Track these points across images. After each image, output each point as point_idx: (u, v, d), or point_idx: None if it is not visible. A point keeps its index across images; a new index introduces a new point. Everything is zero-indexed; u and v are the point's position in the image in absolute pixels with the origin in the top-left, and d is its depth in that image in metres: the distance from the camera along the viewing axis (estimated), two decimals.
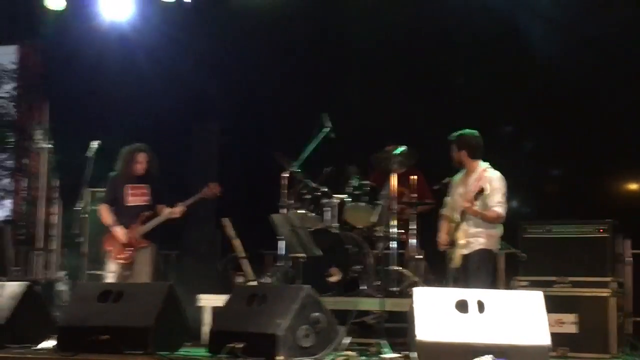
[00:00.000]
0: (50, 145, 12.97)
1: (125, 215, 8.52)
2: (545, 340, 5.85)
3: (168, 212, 8.48)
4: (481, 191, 7.38)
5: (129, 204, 8.55)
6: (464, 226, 7.62)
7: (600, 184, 10.11)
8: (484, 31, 10.31)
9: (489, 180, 7.62)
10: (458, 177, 8.02)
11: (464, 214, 7.59)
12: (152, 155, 8.70)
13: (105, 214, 8.58)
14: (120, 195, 8.56)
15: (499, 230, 7.79)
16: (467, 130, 7.88)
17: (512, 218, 7.85)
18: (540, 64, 10.25)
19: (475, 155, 7.85)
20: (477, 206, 7.51)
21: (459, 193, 7.87)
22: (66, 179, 11.87)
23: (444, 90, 10.74)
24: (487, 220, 7.59)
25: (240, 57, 10.99)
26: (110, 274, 8.46)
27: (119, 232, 8.43)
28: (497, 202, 7.56)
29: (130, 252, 8.43)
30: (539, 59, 10.21)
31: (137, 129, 10.00)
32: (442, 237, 7.86)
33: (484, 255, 7.66)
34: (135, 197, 8.56)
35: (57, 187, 12.96)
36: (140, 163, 8.60)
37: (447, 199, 8.08)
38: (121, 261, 8.43)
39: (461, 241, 7.61)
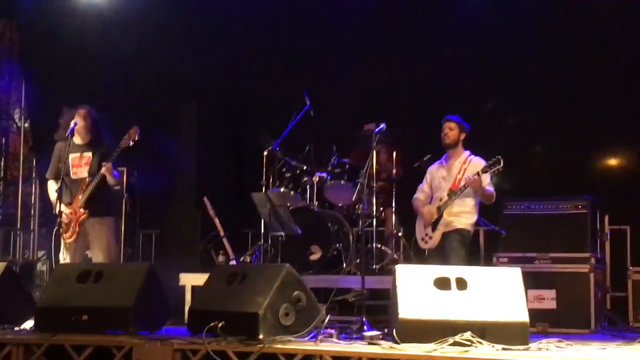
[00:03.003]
0: (27, 125, 12.89)
1: (71, 189, 8.01)
2: (524, 316, 5.88)
3: (98, 175, 7.84)
4: (478, 174, 7.51)
5: (72, 177, 8.03)
6: (449, 205, 7.72)
7: (579, 160, 10.15)
8: (464, 5, 10.29)
9: (476, 163, 7.78)
10: (434, 164, 8.10)
11: (452, 194, 7.70)
12: (94, 116, 8.09)
13: (50, 189, 8.12)
14: (66, 166, 8.01)
15: (476, 215, 7.90)
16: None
17: None
18: (523, 37, 10.24)
19: (465, 142, 8.00)
20: (461, 193, 7.67)
21: (440, 176, 7.98)
22: (43, 159, 11.79)
23: (425, 67, 10.72)
24: (486, 197, 7.74)
25: (219, 35, 10.93)
26: (64, 253, 7.98)
27: (62, 211, 7.85)
28: (487, 183, 7.66)
29: (72, 228, 7.91)
30: (519, 34, 10.21)
31: (116, 108, 9.91)
32: (428, 210, 7.88)
33: (464, 233, 7.75)
34: (79, 167, 8.03)
35: (34, 167, 12.91)
36: (79, 126, 7.98)
37: (421, 186, 8.13)
38: (67, 240, 7.94)
39: (450, 218, 7.67)
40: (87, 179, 7.96)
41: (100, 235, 7.98)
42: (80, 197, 7.94)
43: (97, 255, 7.96)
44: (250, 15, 10.93)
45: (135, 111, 10.42)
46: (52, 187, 8.11)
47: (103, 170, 7.84)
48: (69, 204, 7.96)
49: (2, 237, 12.29)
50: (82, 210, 7.92)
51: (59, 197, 7.82)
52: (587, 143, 10.11)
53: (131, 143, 7.94)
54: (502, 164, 7.36)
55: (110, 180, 7.94)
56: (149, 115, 10.77)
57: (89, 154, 8.06)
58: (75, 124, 7.96)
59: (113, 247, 8.13)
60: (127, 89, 11.01)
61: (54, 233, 8.13)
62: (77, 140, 8.11)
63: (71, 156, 8.07)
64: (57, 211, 7.86)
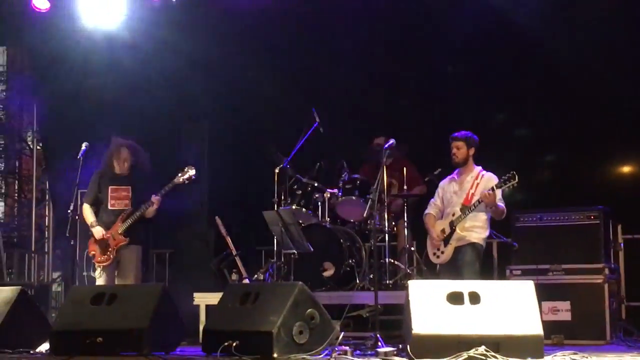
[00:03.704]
0: (40, 147, 12.95)
1: (108, 218, 8.27)
2: (538, 329, 5.87)
3: (144, 207, 8.17)
4: (493, 189, 7.52)
5: (110, 208, 8.29)
6: (462, 220, 7.73)
7: (590, 171, 10.13)
8: (472, 20, 10.30)
9: (489, 179, 7.80)
10: (446, 179, 8.12)
11: (465, 209, 7.70)
12: (138, 151, 8.43)
13: (87, 213, 8.34)
14: (104, 196, 8.31)
15: (488, 230, 7.92)
16: (470, 132, 7.99)
17: None
18: (531, 51, 10.24)
19: (475, 156, 8.00)
20: (475, 208, 7.69)
21: (452, 191, 7.99)
22: (56, 181, 11.83)
23: (434, 81, 10.73)
24: (498, 212, 7.74)
25: (228, 55, 10.96)
26: (98, 277, 8.26)
27: (97, 230, 8.18)
28: (499, 199, 7.66)
29: (109, 253, 8.16)
30: (530, 45, 10.21)
31: (127, 129, 9.94)
32: (437, 231, 7.90)
33: (478, 247, 7.76)
34: (118, 200, 8.29)
35: (47, 189, 12.95)
36: (124, 160, 8.33)
37: (433, 201, 8.14)
38: (103, 264, 8.18)
39: (462, 233, 7.66)
40: (129, 209, 8.21)
41: (130, 260, 8.24)
42: (120, 224, 8.18)
43: (127, 281, 8.15)
44: (258, 33, 10.97)
45: (146, 131, 10.45)
46: (89, 210, 8.35)
47: (153, 202, 8.15)
48: (105, 229, 8.20)
49: (17, 259, 12.33)
50: (122, 237, 8.16)
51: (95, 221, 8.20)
52: (598, 153, 10.10)
53: (186, 182, 8.28)
54: (517, 180, 7.36)
55: (151, 212, 8.22)
56: (159, 135, 10.80)
57: (129, 187, 8.30)
58: (121, 159, 8.29)
59: (140, 273, 8.41)
60: (138, 109, 11.03)
61: (84, 256, 8.61)
62: (117, 170, 8.34)
63: (110, 187, 8.30)
64: (96, 234, 8.15)
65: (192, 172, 8.25)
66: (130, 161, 8.35)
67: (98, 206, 8.35)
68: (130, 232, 8.21)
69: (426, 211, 8.16)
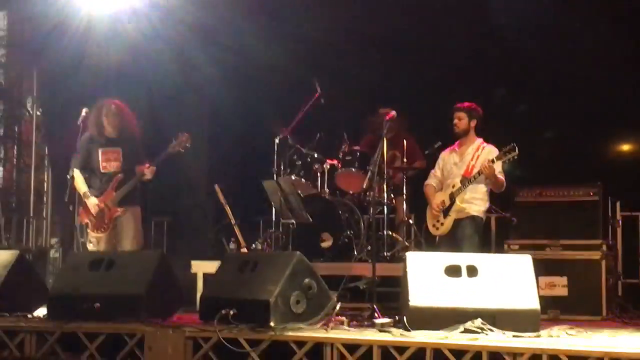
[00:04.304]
0: (39, 113, 12.92)
1: (100, 182, 8.08)
2: (535, 303, 5.89)
3: (139, 174, 7.98)
4: (492, 161, 7.51)
5: (102, 171, 8.08)
6: (462, 192, 7.72)
7: (590, 147, 10.13)
8: None
9: (489, 151, 7.78)
10: (446, 149, 8.10)
11: (465, 181, 7.70)
12: (124, 109, 8.17)
13: (79, 181, 8.11)
14: (94, 160, 8.09)
15: (488, 202, 7.90)
16: (474, 104, 7.95)
17: None
18: (532, 25, 10.20)
19: (478, 128, 7.96)
20: (475, 180, 7.67)
21: (452, 162, 7.98)
22: (55, 147, 11.82)
23: (435, 54, 10.69)
24: (498, 184, 7.72)
25: (230, 23, 10.91)
26: (93, 244, 8.08)
27: (91, 203, 8.00)
28: (499, 171, 7.65)
29: (106, 225, 8.01)
30: (531, 20, 10.17)
31: (127, 96, 9.91)
32: (438, 201, 7.89)
33: (477, 220, 7.76)
34: (109, 162, 8.07)
35: (46, 155, 12.94)
36: (112, 115, 8.05)
37: (433, 172, 8.13)
38: (99, 234, 8.02)
39: (462, 205, 7.67)
40: (120, 175, 8.01)
41: (128, 224, 8.06)
42: (114, 193, 8.00)
43: (127, 244, 8.02)
44: (261, 1, 10.91)
45: (146, 98, 10.43)
46: (80, 176, 8.13)
47: (147, 173, 7.96)
48: (98, 197, 8.03)
49: (15, 224, 12.33)
50: (116, 208, 7.99)
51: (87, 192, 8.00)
52: (598, 129, 10.10)
53: (181, 150, 8.08)
54: (517, 152, 7.35)
55: (148, 178, 8.04)
56: (160, 102, 10.79)
57: (119, 149, 8.10)
58: (106, 119, 8.04)
59: (140, 235, 8.23)
60: (138, 75, 11.00)
61: (77, 224, 8.40)
62: (107, 133, 8.14)
63: (100, 150, 8.11)
64: (86, 204, 7.99)
65: (184, 137, 8.05)
66: (118, 118, 8.08)
67: (89, 172, 8.16)
68: (126, 197, 8.02)
69: (426, 182, 8.16)
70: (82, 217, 8.17)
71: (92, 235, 8.10)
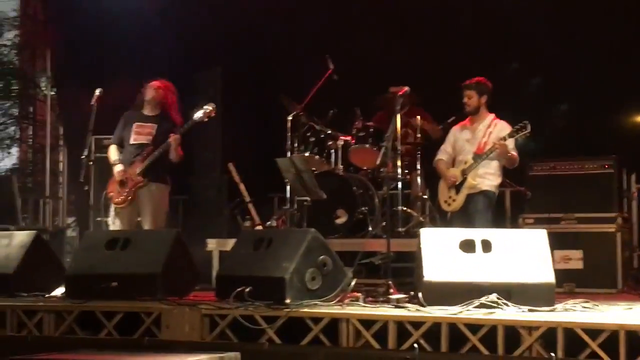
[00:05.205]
0: (53, 93, 12.96)
1: (130, 154, 8.07)
2: (550, 277, 5.89)
3: (164, 146, 7.91)
4: (504, 138, 7.50)
5: (132, 142, 8.08)
6: (474, 169, 7.72)
7: (604, 120, 10.08)
8: None
9: (502, 128, 7.76)
10: (457, 126, 8.09)
11: (477, 157, 7.69)
12: (167, 89, 8.22)
13: (111, 151, 8.18)
14: (128, 133, 8.11)
15: (501, 177, 7.89)
16: (483, 78, 7.91)
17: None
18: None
19: (489, 103, 7.92)
20: (487, 157, 7.68)
21: (464, 139, 7.97)
22: (71, 127, 11.86)
23: (448, 30, 10.65)
24: (511, 161, 7.72)
25: (242, 1, 10.90)
26: (113, 219, 8.06)
27: (116, 170, 8.00)
28: (511, 147, 7.64)
29: (127, 194, 7.95)
30: None
31: (140, 75, 9.93)
32: (451, 174, 7.87)
33: (490, 195, 7.76)
34: (140, 135, 8.08)
35: (61, 134, 12.99)
36: (148, 94, 8.13)
37: (444, 147, 8.12)
38: (120, 205, 7.97)
39: (475, 181, 7.66)
40: (150, 147, 7.98)
41: (151, 200, 7.99)
42: (139, 164, 7.96)
43: (147, 220, 7.97)
44: None
45: (161, 76, 10.43)
46: (114, 149, 8.18)
47: (171, 140, 7.90)
48: (125, 168, 8.02)
49: (31, 205, 12.41)
50: (140, 177, 7.93)
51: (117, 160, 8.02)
52: (612, 102, 10.03)
53: (206, 119, 8.07)
54: (529, 130, 7.33)
55: (173, 155, 7.97)
56: (173, 81, 10.78)
57: (154, 125, 8.11)
58: (145, 93, 8.10)
59: (163, 214, 8.20)
60: (151, 55, 11.01)
61: (102, 199, 8.35)
62: (146, 111, 8.20)
63: (135, 124, 8.14)
64: (115, 172, 8.00)
65: (210, 107, 8.04)
66: (159, 97, 8.15)
67: (123, 145, 8.18)
68: (150, 171, 7.96)
69: (437, 157, 8.15)
70: (108, 189, 8.14)
71: (115, 208, 8.04)
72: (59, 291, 7.01)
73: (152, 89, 8.18)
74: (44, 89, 13.30)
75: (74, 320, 6.28)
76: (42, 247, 7.51)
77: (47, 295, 6.98)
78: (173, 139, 7.90)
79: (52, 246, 8.33)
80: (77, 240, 11.87)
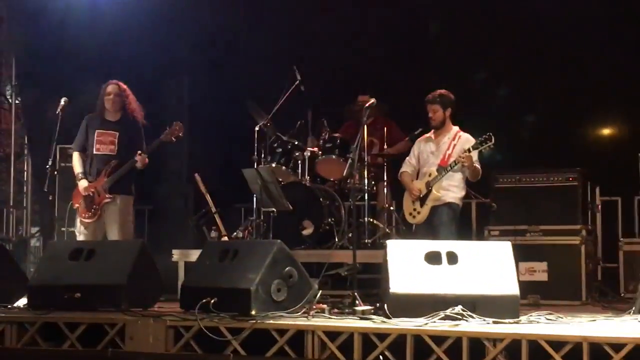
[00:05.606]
0: (18, 102, 12.84)
1: (94, 166, 8.00)
2: (514, 289, 5.91)
3: (130, 164, 7.88)
4: (468, 150, 7.51)
5: (95, 152, 8.00)
6: (438, 181, 7.72)
7: (570, 132, 10.17)
8: None
9: (466, 140, 7.77)
10: (422, 138, 8.11)
11: (441, 170, 7.70)
12: (126, 92, 8.10)
13: (75, 162, 8.10)
14: (90, 141, 8.02)
15: (465, 189, 7.91)
16: (445, 91, 7.92)
17: (482, 168, 7.87)
18: (513, 10, 10.21)
19: (453, 114, 7.94)
20: (451, 169, 7.66)
21: (429, 151, 7.97)
22: (36, 136, 11.75)
23: (414, 39, 10.69)
24: (475, 173, 7.71)
25: (209, 10, 10.87)
26: (80, 232, 8.03)
27: (81, 186, 7.94)
28: (475, 160, 7.64)
29: (94, 210, 7.92)
30: (511, 4, 10.17)
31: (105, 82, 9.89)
32: (416, 187, 7.88)
33: (454, 207, 7.78)
34: (103, 144, 8.00)
35: (26, 143, 12.87)
36: (108, 98, 8.00)
37: (409, 159, 8.13)
38: (86, 220, 7.94)
39: (439, 193, 7.68)
40: (114, 162, 7.94)
41: (117, 212, 7.95)
42: (105, 179, 7.92)
43: (114, 233, 7.93)
44: None
45: (126, 85, 10.37)
46: (78, 160, 8.10)
47: (139, 161, 7.88)
48: (91, 181, 7.97)
49: None
50: (106, 194, 7.90)
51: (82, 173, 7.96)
52: (577, 114, 10.14)
53: (173, 139, 8.05)
54: (493, 141, 7.35)
55: (139, 163, 7.94)
56: (140, 90, 10.71)
57: (116, 133, 8.04)
58: (106, 96, 8.00)
59: (130, 224, 8.18)
60: (118, 64, 10.93)
61: (66, 210, 8.27)
62: (107, 116, 8.12)
63: (97, 131, 8.05)
64: (80, 188, 7.93)
65: (179, 128, 8.05)
66: (119, 99, 8.04)
67: (86, 152, 8.09)
68: (116, 185, 7.92)
69: (401, 170, 8.16)
70: (74, 200, 8.09)
71: (81, 221, 7.99)
72: (22, 302, 6.93)
73: (113, 92, 8.06)
74: (9, 97, 13.16)
75: (37, 332, 6.20)
76: (5, 257, 7.43)
77: (9, 306, 6.89)
78: (139, 159, 7.89)
79: (15, 256, 8.27)
80: (40, 250, 11.75)
